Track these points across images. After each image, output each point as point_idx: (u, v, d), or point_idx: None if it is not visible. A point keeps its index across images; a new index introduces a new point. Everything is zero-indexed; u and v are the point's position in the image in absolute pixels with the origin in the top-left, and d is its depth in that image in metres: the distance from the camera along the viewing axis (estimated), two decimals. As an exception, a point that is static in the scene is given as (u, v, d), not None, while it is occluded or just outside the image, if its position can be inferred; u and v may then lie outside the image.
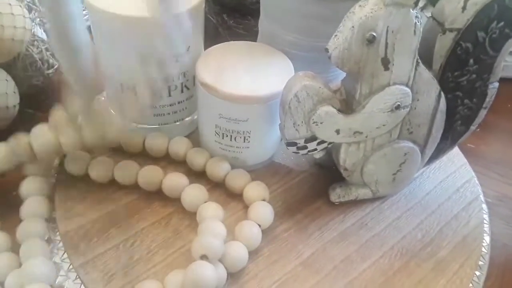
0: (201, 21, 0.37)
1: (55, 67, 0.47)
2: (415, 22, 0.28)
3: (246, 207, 0.35)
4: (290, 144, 0.33)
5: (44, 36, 0.46)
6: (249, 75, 0.35)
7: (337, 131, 0.32)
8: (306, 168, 0.39)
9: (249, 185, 0.35)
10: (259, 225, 0.32)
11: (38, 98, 0.46)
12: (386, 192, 0.37)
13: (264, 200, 0.34)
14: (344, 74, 0.33)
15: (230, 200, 0.36)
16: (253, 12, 0.52)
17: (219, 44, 0.38)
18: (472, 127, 0.35)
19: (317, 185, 0.38)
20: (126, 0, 0.32)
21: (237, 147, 0.37)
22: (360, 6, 0.28)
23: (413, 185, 0.38)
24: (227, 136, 0.36)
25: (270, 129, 0.37)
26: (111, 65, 0.36)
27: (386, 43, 0.28)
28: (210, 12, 0.54)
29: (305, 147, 0.33)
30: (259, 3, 0.41)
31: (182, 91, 0.38)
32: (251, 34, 0.50)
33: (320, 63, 0.39)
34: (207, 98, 0.34)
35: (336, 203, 0.36)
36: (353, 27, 0.28)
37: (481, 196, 0.39)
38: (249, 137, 0.36)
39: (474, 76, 0.32)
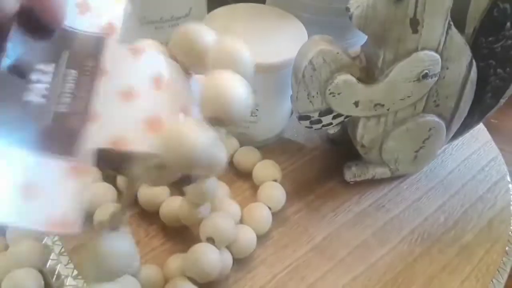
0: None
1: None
2: (450, -22, 0.25)
3: (254, 186, 0.32)
4: (302, 117, 0.30)
5: None
6: (258, 41, 0.31)
7: (356, 103, 0.28)
8: (318, 144, 0.36)
9: (259, 164, 0.32)
10: (270, 208, 0.30)
11: None
12: (406, 171, 0.34)
13: (275, 180, 0.31)
14: (364, 39, 0.29)
15: (236, 179, 0.33)
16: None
17: (224, 7, 0.34)
18: (502, 100, 0.32)
19: (331, 163, 0.35)
20: None
21: (243, 121, 0.33)
22: (387, -41, 0.24)
23: (435, 163, 0.35)
24: (232, 108, 0.33)
25: (280, 102, 0.33)
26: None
27: (416, 1, 0.25)
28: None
29: (319, 121, 0.30)
30: (268, -39, 0.38)
31: (183, 59, 0.35)
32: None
33: (336, 28, 0.35)
34: (211, 66, 0.31)
35: (351, 183, 0.33)
36: (378, -18, 0.24)
37: (508, 176, 0.35)
38: (257, 110, 0.33)
39: (510, 42, 0.28)
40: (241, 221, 0.29)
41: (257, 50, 0.30)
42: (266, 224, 0.29)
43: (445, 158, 0.36)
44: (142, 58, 0.18)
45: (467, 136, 0.36)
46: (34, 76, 0.16)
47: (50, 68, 0.17)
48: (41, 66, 0.17)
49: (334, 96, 0.28)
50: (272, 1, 0.38)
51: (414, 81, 0.28)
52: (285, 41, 0.31)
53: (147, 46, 0.20)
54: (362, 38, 0.29)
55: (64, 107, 0.16)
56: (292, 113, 0.35)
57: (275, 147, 0.36)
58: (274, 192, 0.30)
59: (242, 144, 0.34)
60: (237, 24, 0.32)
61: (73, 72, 0.17)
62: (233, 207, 0.29)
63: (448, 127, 0.31)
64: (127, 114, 0.17)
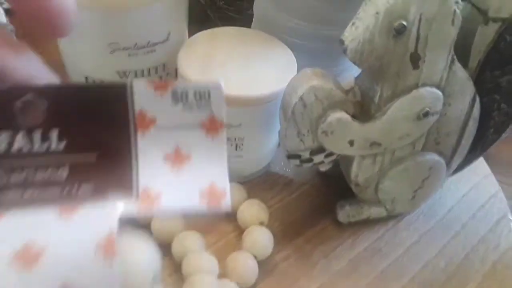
0: (184, 1, 0.30)
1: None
2: (454, 9, 0.22)
3: (238, 228, 0.29)
4: (292, 156, 0.27)
5: (1, 17, 0.39)
6: (242, 70, 0.28)
7: (351, 142, 0.26)
8: (308, 178, 0.34)
9: (244, 204, 0.29)
10: (255, 257, 0.27)
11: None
12: (403, 210, 0.31)
13: (262, 223, 0.28)
14: (356, 67, 0.27)
15: (219, 220, 0.30)
16: (247, -7, 0.45)
17: (206, 31, 0.31)
18: (504, 135, 0.30)
19: (321, 200, 0.32)
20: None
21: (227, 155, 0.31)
22: (386, -14, 0.22)
23: (432, 199, 0.33)
24: (215, 143, 0.30)
25: (267, 134, 0.31)
26: (74, 55, 0.30)
27: (418, 35, 0.22)
28: (197, -9, 0.47)
29: (310, 160, 0.27)
30: (254, -19, 0.35)
31: (161, 87, 0.32)
32: (244, 18, 0.44)
33: (325, 54, 0.33)
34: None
35: (345, 224, 0.31)
36: (377, 13, 0.22)
37: (510, 214, 0.33)
38: (242, 144, 0.30)
39: (515, 75, 0.26)
40: (224, 274, 0.26)
41: (242, 80, 0.28)
42: (251, 276, 0.26)
43: (443, 194, 0.34)
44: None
45: (465, 169, 0.34)
46: None
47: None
48: None
49: (326, 135, 0.25)
50: (257, 25, 0.35)
51: (414, 119, 0.25)
52: (272, 70, 0.29)
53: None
54: (353, 65, 0.27)
55: None
56: (279, 145, 0.33)
57: (261, 182, 0.33)
58: (260, 239, 0.27)
59: (225, 179, 0.31)
60: (220, 51, 0.29)
61: None
62: (209, 263, 0.25)
63: (448, 164, 0.29)
64: None
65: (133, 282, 0.23)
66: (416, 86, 0.24)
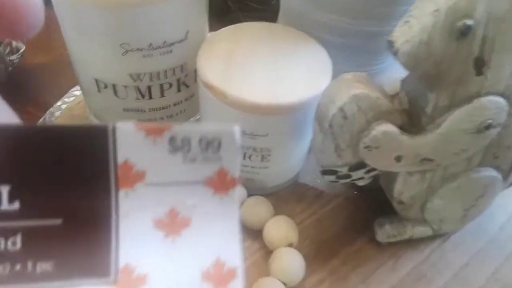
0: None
1: (20, 51, 0.37)
2: (530, 4, 0.19)
3: (264, 247, 0.27)
4: (327, 172, 0.24)
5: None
6: (270, 73, 0.25)
7: (398, 158, 0.22)
8: (341, 189, 0.30)
9: (271, 221, 0.26)
10: (285, 284, 0.24)
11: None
12: (451, 230, 0.28)
13: (291, 245, 0.25)
14: (398, 67, 0.23)
15: (243, 236, 0.27)
16: (271, -19, 0.41)
17: (229, 27, 0.28)
18: None
19: (357, 215, 0.29)
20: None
21: (252, 167, 0.28)
22: (448, -23, 0.18)
23: (481, 216, 0.29)
24: (239, 153, 0.27)
25: (296, 143, 0.27)
26: (83, 56, 0.27)
27: (484, 37, 0.19)
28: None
29: (347, 176, 0.24)
30: (280, -31, 0.31)
31: (179, 90, 0.29)
32: (268, 10, 0.40)
33: (362, 53, 0.29)
34: (211, 103, 0.25)
35: (384, 243, 0.28)
36: (437, 11, 0.18)
37: None
38: (269, 155, 0.27)
39: None
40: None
41: (269, 85, 0.24)
42: (281, 308, 0.23)
43: (493, 210, 0.30)
44: None
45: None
46: None
47: None
48: None
49: (370, 150, 0.22)
50: (284, 19, 0.32)
51: (473, 132, 0.22)
52: (303, 73, 0.25)
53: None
54: (394, 64, 0.23)
55: None
56: (309, 151, 0.30)
57: (289, 194, 0.30)
58: (290, 263, 0.24)
59: (250, 191, 0.28)
60: (244, 50, 0.26)
61: None
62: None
63: (505, 179, 0.26)
64: None
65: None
66: (478, 94, 0.21)
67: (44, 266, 0.10)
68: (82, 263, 0.10)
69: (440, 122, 0.21)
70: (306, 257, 0.25)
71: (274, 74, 0.25)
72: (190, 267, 0.11)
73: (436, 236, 0.28)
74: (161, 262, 0.10)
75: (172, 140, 0.11)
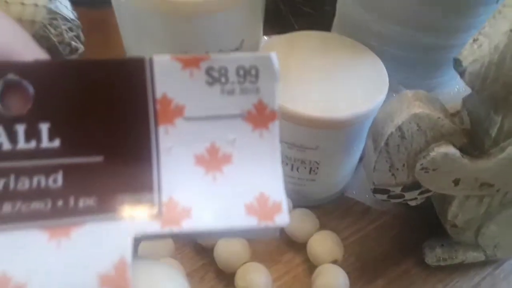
0: (260, 4, 0.27)
1: (79, 51, 0.38)
2: None
3: (307, 261, 0.26)
4: (379, 191, 0.23)
5: (68, 12, 0.38)
6: (324, 85, 0.24)
7: (456, 182, 0.21)
8: (389, 207, 0.29)
9: (316, 236, 0.26)
10: (328, 302, 0.23)
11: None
12: (504, 256, 0.26)
13: (335, 261, 0.25)
14: (458, 80, 0.22)
15: (287, 249, 0.27)
16: (325, -15, 0.40)
17: (283, 36, 0.28)
18: None
19: (405, 234, 0.28)
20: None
21: (299, 178, 0.27)
22: (525, -5, 0.17)
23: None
24: (287, 164, 0.26)
25: (346, 158, 0.27)
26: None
27: None
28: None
29: (400, 196, 0.23)
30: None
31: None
32: (320, 14, 0.39)
33: (421, 66, 0.28)
34: (263, 114, 0.25)
35: (432, 266, 0.26)
36: (511, 31, 0.17)
37: None
38: (317, 168, 0.26)
39: None
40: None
41: (322, 98, 0.24)
42: (324, 327, 0.23)
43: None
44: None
45: None
46: None
47: None
48: None
49: (427, 171, 0.21)
50: (339, 27, 0.31)
51: (541, 159, 0.20)
52: (359, 86, 0.24)
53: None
54: (452, 78, 0.22)
55: None
56: (357, 165, 0.29)
57: (334, 209, 0.29)
58: (334, 281, 0.24)
59: (295, 202, 0.28)
60: (298, 61, 0.26)
61: None
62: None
63: None
64: None
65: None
66: (550, 119, 0.19)
67: (87, 202, 0.10)
68: (126, 197, 0.10)
69: (504, 146, 0.20)
70: (350, 275, 0.25)
71: (328, 87, 0.24)
72: (233, 200, 0.10)
73: (487, 262, 0.26)
74: (204, 197, 0.10)
75: (209, 70, 0.10)
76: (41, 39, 0.36)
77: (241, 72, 0.10)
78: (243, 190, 0.10)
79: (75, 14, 0.38)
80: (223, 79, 0.10)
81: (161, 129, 0.10)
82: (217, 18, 0.23)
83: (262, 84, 0.10)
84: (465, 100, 0.22)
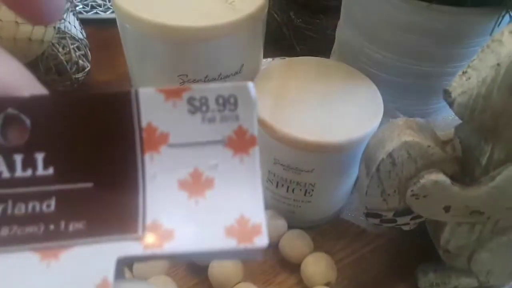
0: (260, 31, 0.28)
1: (86, 70, 0.40)
2: None
3: (301, 282, 0.27)
4: (371, 215, 0.24)
5: (76, 32, 0.39)
6: (320, 110, 0.25)
7: (447, 208, 0.22)
8: (384, 230, 0.30)
9: (310, 257, 0.26)
10: (320, 325, 0.24)
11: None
12: (497, 283, 0.27)
13: (328, 284, 0.25)
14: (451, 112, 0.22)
15: (281, 270, 0.28)
16: (328, 10, 0.41)
17: (281, 61, 0.29)
18: None
19: (399, 258, 0.28)
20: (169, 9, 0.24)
21: (295, 200, 0.28)
22: (511, 33, 0.18)
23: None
24: (282, 186, 0.27)
25: (341, 180, 0.27)
26: (143, 82, 0.28)
27: (549, 92, 0.18)
28: (274, 7, 0.45)
29: (392, 221, 0.24)
30: (338, -1, 0.32)
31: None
32: (322, 38, 0.40)
33: (415, 93, 0.29)
34: (260, 136, 0.25)
35: (426, 291, 0.27)
36: (498, 65, 0.18)
37: None
38: (312, 190, 0.27)
39: None
40: None
41: (318, 122, 0.25)
42: None
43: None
44: None
45: None
46: None
47: None
48: None
49: (417, 198, 0.21)
50: (339, 52, 0.32)
51: (530, 189, 0.21)
52: (354, 112, 0.25)
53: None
54: (446, 106, 0.23)
55: None
56: (352, 191, 0.29)
57: (329, 230, 0.30)
58: (327, 304, 0.24)
59: (290, 224, 0.28)
60: (296, 85, 0.27)
61: None
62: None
63: None
64: None
65: None
66: (538, 150, 0.20)
67: (76, 225, 0.10)
68: (112, 221, 0.11)
69: (494, 175, 0.20)
70: (343, 297, 0.25)
71: (324, 112, 0.25)
72: (214, 223, 0.11)
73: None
74: (186, 220, 0.11)
75: (190, 100, 0.11)
76: (49, 57, 0.37)
77: (221, 101, 0.11)
78: (224, 213, 0.11)
79: (84, 33, 0.39)
80: (204, 108, 0.11)
81: (147, 156, 0.11)
82: (217, 44, 0.24)
83: (241, 111, 0.11)
84: (457, 129, 0.23)
